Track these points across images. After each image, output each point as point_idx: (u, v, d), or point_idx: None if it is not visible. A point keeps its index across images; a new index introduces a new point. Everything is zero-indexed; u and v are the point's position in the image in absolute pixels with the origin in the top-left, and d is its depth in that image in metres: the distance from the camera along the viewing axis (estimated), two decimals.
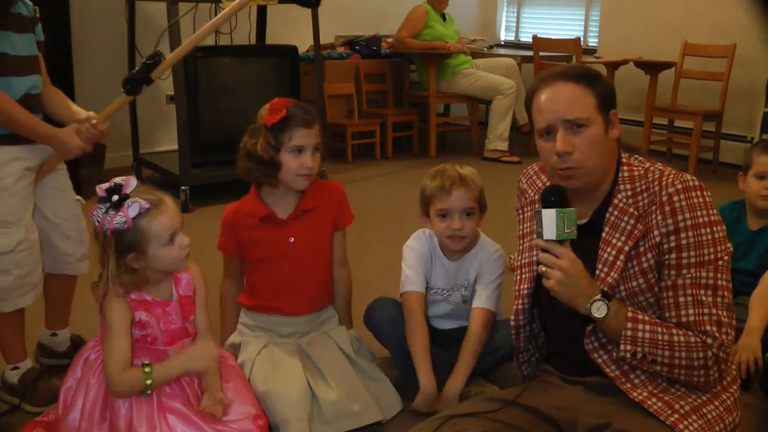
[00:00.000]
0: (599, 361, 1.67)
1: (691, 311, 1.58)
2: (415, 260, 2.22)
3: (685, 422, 1.57)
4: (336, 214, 2.22)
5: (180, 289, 1.88)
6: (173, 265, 1.81)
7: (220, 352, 2.01)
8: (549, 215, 1.58)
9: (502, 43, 7.18)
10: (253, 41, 5.14)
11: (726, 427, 1.61)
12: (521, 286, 1.83)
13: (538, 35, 5.82)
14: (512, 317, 1.85)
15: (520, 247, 1.88)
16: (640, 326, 1.58)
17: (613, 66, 5.38)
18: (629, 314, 1.59)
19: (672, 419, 1.57)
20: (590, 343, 1.68)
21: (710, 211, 1.59)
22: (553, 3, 6.75)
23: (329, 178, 4.70)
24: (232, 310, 2.26)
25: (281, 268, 2.16)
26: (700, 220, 1.57)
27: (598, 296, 1.57)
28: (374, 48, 5.93)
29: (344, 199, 2.26)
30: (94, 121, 2.11)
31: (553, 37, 6.01)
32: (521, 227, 1.88)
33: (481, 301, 2.19)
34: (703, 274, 1.58)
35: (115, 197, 1.71)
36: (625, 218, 1.63)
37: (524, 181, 1.91)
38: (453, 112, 6.40)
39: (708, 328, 1.57)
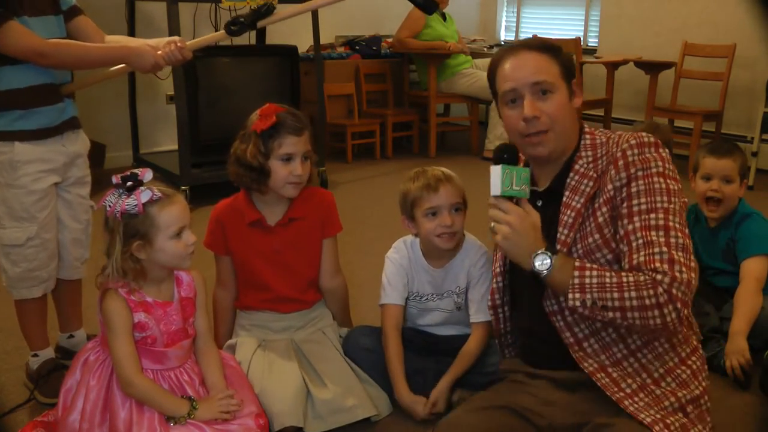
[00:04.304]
0: (557, 325, 1.68)
1: (642, 252, 1.55)
2: (394, 273, 2.20)
3: (630, 400, 1.59)
4: (324, 222, 2.22)
5: (182, 291, 1.88)
6: (177, 261, 1.81)
7: (221, 354, 2.02)
8: (495, 171, 1.58)
9: (502, 43, 7.16)
10: (253, 41, 5.12)
11: (678, 400, 1.60)
12: (496, 265, 1.87)
13: (538, 35, 5.82)
14: (488, 297, 1.88)
15: None
16: (587, 272, 1.56)
17: (613, 66, 5.38)
18: (576, 263, 1.58)
19: (617, 396, 1.60)
20: (549, 306, 1.68)
21: (665, 165, 1.61)
22: (553, 3, 6.75)
23: (329, 179, 4.71)
24: (225, 320, 2.26)
25: (266, 273, 2.17)
26: (653, 170, 1.60)
27: (542, 250, 1.57)
28: (374, 48, 5.93)
29: (333, 207, 2.25)
30: (180, 44, 2.14)
31: (553, 37, 6.00)
32: None
33: (479, 315, 2.15)
34: (653, 216, 1.57)
35: (130, 183, 1.74)
36: (585, 181, 1.67)
37: None
38: (453, 112, 6.40)
39: (658, 265, 1.53)
